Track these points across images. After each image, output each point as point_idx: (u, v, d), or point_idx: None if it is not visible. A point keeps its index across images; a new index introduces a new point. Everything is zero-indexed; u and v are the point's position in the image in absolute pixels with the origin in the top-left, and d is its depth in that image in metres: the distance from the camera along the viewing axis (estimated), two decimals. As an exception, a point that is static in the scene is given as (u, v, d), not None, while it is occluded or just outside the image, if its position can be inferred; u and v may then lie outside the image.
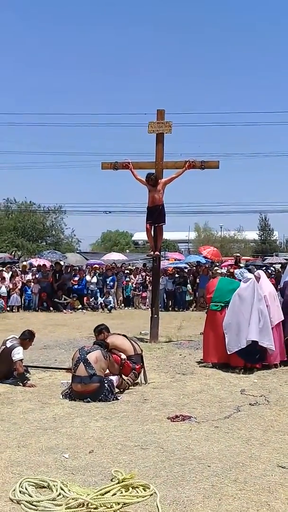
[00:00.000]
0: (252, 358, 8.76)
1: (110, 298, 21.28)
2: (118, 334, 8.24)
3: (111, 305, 20.92)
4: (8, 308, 19.56)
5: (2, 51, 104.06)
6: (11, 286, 20.10)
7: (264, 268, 23.96)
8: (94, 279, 21.80)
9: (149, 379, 7.94)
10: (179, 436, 5.39)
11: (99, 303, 21.08)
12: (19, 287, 20.28)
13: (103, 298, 21.18)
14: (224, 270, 19.96)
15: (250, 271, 15.26)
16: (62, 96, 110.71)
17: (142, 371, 7.90)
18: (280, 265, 27.99)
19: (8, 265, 23.70)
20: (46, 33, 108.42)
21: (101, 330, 8.10)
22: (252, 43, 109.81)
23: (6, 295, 19.76)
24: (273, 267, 26.56)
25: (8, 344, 7.87)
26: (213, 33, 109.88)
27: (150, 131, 12.66)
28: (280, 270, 23.36)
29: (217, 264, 25.98)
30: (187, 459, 4.74)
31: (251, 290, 8.89)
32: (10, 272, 20.89)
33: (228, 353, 8.78)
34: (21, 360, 7.75)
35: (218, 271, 12.78)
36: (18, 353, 7.72)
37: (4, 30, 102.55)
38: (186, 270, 24.29)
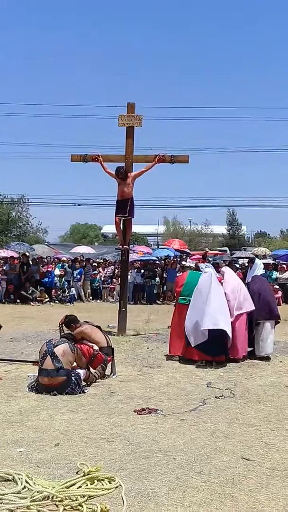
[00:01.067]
0: (215, 351, 8.84)
1: (73, 290, 21.20)
2: (92, 325, 8.23)
3: (71, 293, 20.87)
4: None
5: None
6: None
7: (231, 262, 24.14)
8: (58, 271, 21.72)
9: (116, 372, 7.96)
10: (145, 429, 5.42)
11: (68, 295, 20.95)
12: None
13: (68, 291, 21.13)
14: (193, 264, 20.06)
15: (218, 265, 15.40)
16: (31, 85, 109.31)
17: (111, 363, 7.92)
18: (247, 259, 28.22)
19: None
20: (13, 22, 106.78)
21: (69, 323, 8.09)
22: (224, 36, 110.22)
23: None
24: (237, 262, 26.75)
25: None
26: (186, 26, 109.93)
27: (120, 124, 12.62)
28: (247, 264, 23.57)
29: (185, 258, 26.11)
30: (152, 451, 4.77)
31: (208, 282, 9.03)
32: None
33: (192, 345, 8.86)
34: (-13, 352, 7.68)
35: (187, 265, 12.86)
36: (-16, 346, 7.65)
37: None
38: (157, 263, 24.33)
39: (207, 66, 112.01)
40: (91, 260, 24.42)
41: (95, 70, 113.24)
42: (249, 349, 9.53)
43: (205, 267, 9.75)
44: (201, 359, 8.78)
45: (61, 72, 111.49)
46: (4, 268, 21.08)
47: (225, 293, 9.17)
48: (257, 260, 11.22)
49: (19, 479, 4.00)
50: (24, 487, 3.91)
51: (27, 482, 3.95)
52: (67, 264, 22.42)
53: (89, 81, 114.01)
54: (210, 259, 25.14)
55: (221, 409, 6.23)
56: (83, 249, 32.61)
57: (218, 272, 9.79)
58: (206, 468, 4.40)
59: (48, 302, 20.35)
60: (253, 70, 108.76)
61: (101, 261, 25.69)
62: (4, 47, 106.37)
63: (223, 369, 8.53)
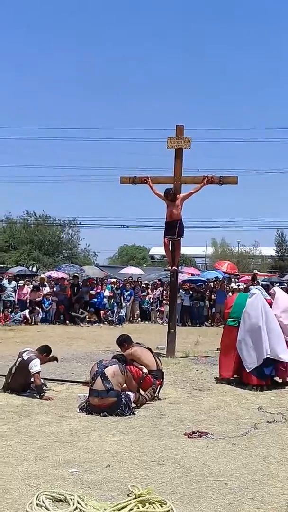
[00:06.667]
0: (265, 375, 8.70)
1: (123, 311, 21.28)
2: (143, 346, 8.24)
3: (121, 314, 20.93)
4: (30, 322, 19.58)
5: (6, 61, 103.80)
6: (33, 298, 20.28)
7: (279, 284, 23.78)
8: (108, 293, 21.91)
9: (165, 394, 7.94)
10: (196, 453, 5.36)
11: (116, 317, 21.05)
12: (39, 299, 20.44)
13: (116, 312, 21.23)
14: (242, 286, 19.88)
15: (268, 287, 15.17)
16: (81, 110, 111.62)
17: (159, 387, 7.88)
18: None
19: (27, 279, 23.80)
20: (58, 43, 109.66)
21: (121, 343, 8.13)
22: (270, 60, 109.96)
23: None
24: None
25: (25, 357, 7.91)
26: (233, 49, 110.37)
27: (169, 146, 12.75)
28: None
29: (234, 280, 25.90)
30: (204, 475, 4.72)
31: (257, 305, 8.89)
32: (31, 285, 21.11)
33: (247, 370, 8.72)
34: (38, 372, 7.78)
35: (235, 286, 12.76)
36: (35, 366, 7.76)
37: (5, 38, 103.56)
38: (204, 285, 24.19)
39: (254, 87, 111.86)
40: (140, 281, 24.50)
41: (143, 92, 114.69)
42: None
43: (254, 288, 9.63)
44: (258, 383, 8.63)
45: (109, 95, 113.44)
46: (55, 289, 21.40)
47: (275, 314, 9.04)
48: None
49: (71, 499, 4.03)
50: (76, 507, 3.93)
51: (79, 503, 3.97)
52: (115, 286, 22.62)
53: (137, 104, 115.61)
54: (259, 281, 24.82)
55: (273, 434, 6.11)
56: (132, 271, 32.71)
57: (269, 294, 9.65)
58: (259, 494, 4.32)
59: (97, 323, 20.51)
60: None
61: (150, 282, 25.76)
62: (58, 79, 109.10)
63: (274, 393, 8.37)
